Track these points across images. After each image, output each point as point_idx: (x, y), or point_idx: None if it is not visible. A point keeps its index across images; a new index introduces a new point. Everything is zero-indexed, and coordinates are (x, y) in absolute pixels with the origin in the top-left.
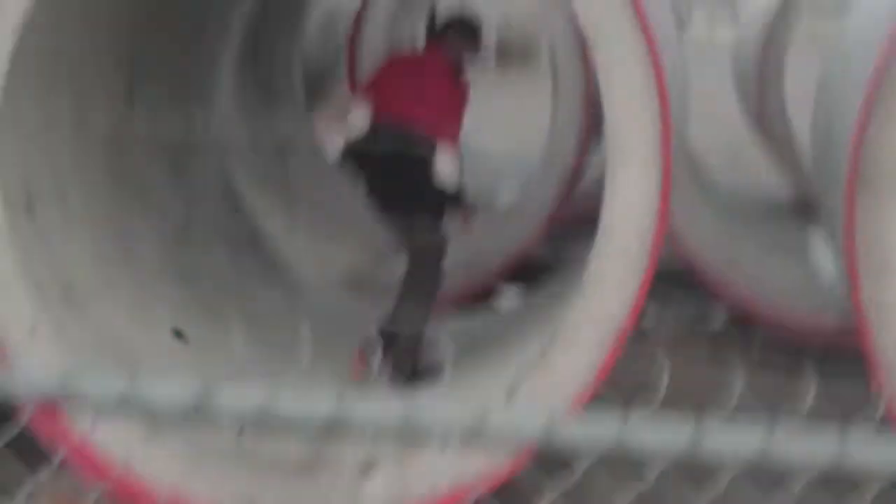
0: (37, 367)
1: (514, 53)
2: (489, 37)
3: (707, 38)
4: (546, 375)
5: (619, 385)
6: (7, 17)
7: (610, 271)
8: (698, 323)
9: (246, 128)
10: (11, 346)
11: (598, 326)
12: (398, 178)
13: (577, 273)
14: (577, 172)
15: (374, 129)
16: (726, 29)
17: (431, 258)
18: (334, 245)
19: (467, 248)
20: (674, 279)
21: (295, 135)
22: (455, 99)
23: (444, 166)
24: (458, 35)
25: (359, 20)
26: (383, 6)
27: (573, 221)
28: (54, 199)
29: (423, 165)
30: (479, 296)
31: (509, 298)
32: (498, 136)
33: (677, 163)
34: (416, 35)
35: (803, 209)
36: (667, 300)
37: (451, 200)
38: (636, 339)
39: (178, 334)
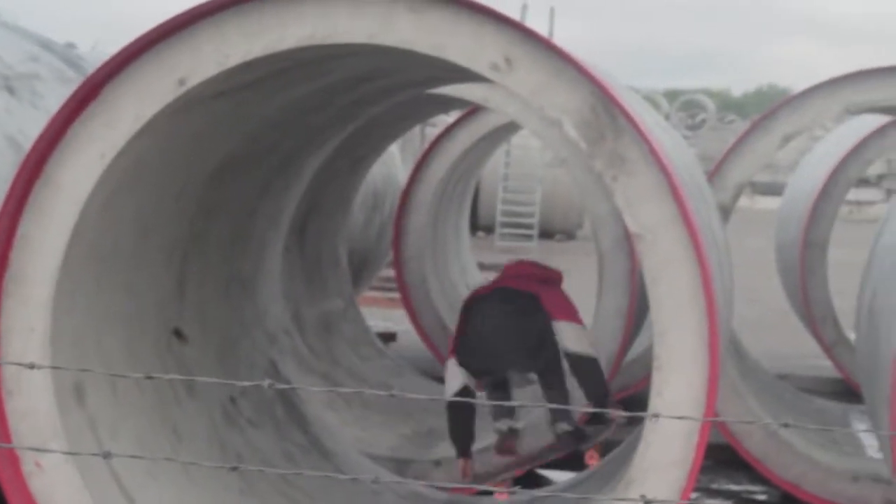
0: None
1: (556, 231)
2: (534, 215)
3: (748, 206)
4: None
5: None
6: (59, 216)
7: (657, 463)
8: (743, 501)
9: (290, 312)
10: None
11: None
12: None
13: (623, 460)
14: (621, 356)
15: None
16: (768, 200)
17: None
18: (377, 427)
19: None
20: (722, 454)
21: (340, 314)
22: None
23: None
24: None
25: (405, 200)
26: (429, 186)
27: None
28: (105, 387)
29: None
30: (522, 477)
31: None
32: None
33: (722, 352)
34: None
35: (846, 386)
36: (714, 475)
37: None
38: None
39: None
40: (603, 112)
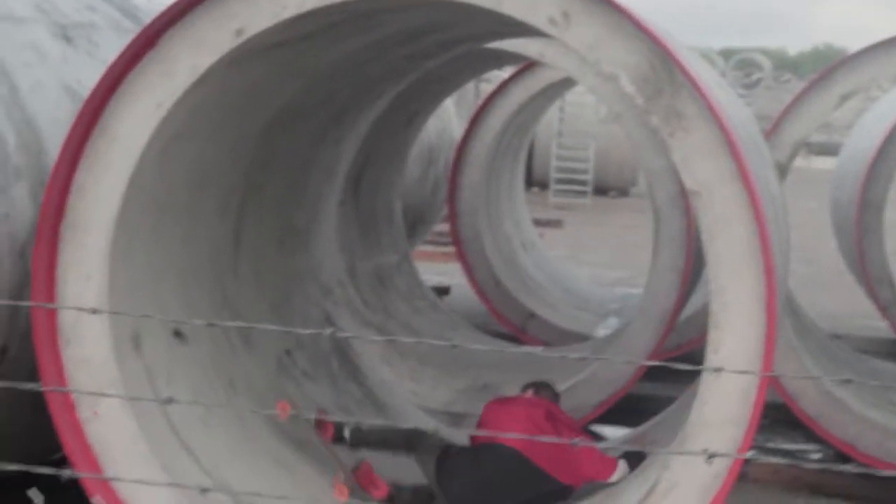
0: None
1: (610, 187)
2: (588, 171)
3: (804, 166)
4: None
5: None
6: (116, 167)
7: (714, 420)
8: (798, 459)
9: (345, 264)
10: (117, 472)
11: (702, 471)
12: None
13: (678, 416)
14: (676, 313)
15: None
16: (823, 160)
17: None
18: (431, 381)
19: (568, 388)
20: (777, 413)
21: (395, 268)
22: None
23: None
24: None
25: (460, 155)
26: (484, 141)
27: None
28: (161, 337)
29: None
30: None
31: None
32: (596, 269)
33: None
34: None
35: None
36: (771, 434)
37: None
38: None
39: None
40: (661, 67)
